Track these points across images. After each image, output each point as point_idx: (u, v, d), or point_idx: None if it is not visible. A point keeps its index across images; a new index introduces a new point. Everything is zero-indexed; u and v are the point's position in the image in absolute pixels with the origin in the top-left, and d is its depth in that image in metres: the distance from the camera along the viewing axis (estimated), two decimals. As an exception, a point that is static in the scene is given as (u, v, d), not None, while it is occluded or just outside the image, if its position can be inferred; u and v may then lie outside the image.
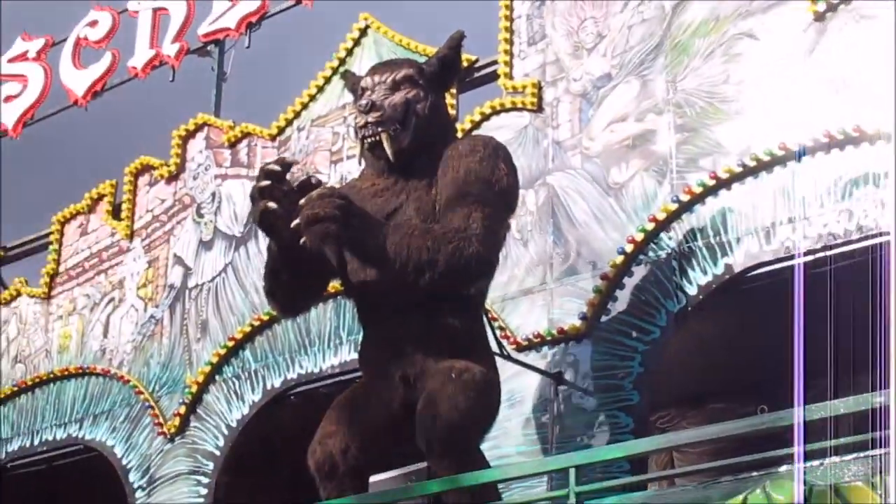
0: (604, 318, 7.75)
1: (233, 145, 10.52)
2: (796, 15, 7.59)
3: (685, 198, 7.63)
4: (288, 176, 6.58)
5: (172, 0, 11.73)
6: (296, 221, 6.22)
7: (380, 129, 6.73)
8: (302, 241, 6.24)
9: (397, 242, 6.25)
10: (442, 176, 6.63)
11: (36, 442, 10.91)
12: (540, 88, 8.64)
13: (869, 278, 6.24)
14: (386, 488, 6.43)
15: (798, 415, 4.80)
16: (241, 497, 9.67)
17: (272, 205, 6.39)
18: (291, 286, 6.77)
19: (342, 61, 9.89)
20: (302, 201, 6.27)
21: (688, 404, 8.52)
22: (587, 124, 8.32)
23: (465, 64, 8.41)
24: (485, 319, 7.01)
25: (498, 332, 7.67)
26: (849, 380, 5.78)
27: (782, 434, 5.15)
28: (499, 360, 6.98)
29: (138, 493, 9.98)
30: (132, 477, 10.07)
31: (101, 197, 11.38)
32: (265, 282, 6.92)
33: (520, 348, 7.95)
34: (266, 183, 6.44)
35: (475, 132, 8.53)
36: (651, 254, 7.70)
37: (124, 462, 10.16)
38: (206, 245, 10.32)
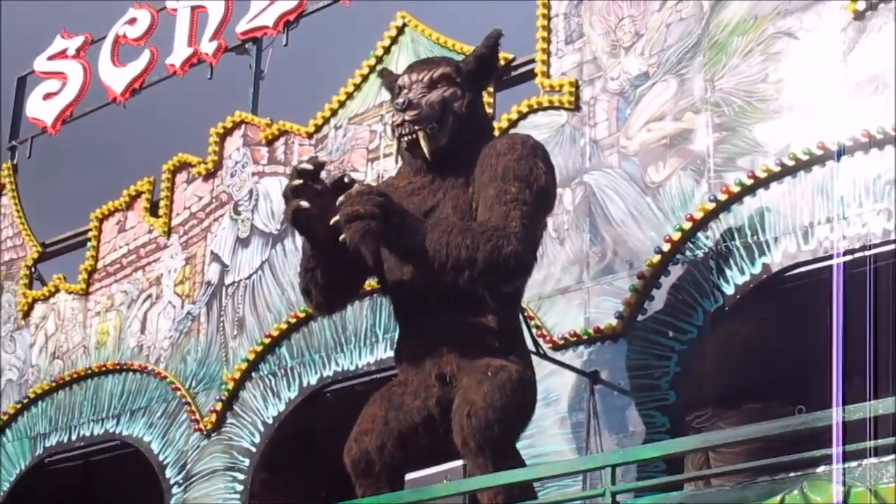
0: (640, 318, 7.74)
1: (270, 143, 10.55)
2: (835, 13, 7.56)
3: (723, 197, 7.60)
4: (323, 174, 6.60)
5: (211, -2, 11.80)
6: (335, 218, 6.23)
7: (417, 128, 6.73)
8: (341, 237, 6.25)
9: (436, 240, 6.25)
10: (479, 174, 6.62)
11: (73, 437, 10.98)
12: (577, 87, 8.63)
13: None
14: (422, 486, 6.43)
15: (837, 415, 4.78)
16: (276, 494, 9.70)
17: (304, 204, 6.41)
18: (326, 284, 6.77)
19: (379, 59, 9.90)
20: (341, 199, 6.28)
21: (724, 404, 8.48)
22: (624, 123, 8.30)
23: (502, 62, 8.41)
24: (521, 318, 7.00)
25: (534, 331, 7.68)
26: (888, 380, 5.75)
27: (820, 435, 5.12)
28: (535, 359, 6.98)
29: (174, 489, 10.02)
30: (168, 473, 10.12)
31: (139, 194, 11.44)
32: (300, 280, 6.93)
33: (556, 347, 7.95)
34: (298, 182, 6.46)
35: (512, 131, 8.53)
36: (688, 253, 7.68)
37: (161, 458, 10.21)
38: (243, 242, 10.36)
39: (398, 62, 9.48)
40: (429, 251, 6.25)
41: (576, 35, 8.81)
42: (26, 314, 11.92)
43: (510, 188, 6.47)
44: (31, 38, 13.68)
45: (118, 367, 10.86)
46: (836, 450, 4.82)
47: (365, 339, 9.21)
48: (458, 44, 9.36)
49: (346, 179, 6.54)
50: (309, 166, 6.50)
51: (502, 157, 6.61)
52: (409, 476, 6.55)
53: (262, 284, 10.10)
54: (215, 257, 10.55)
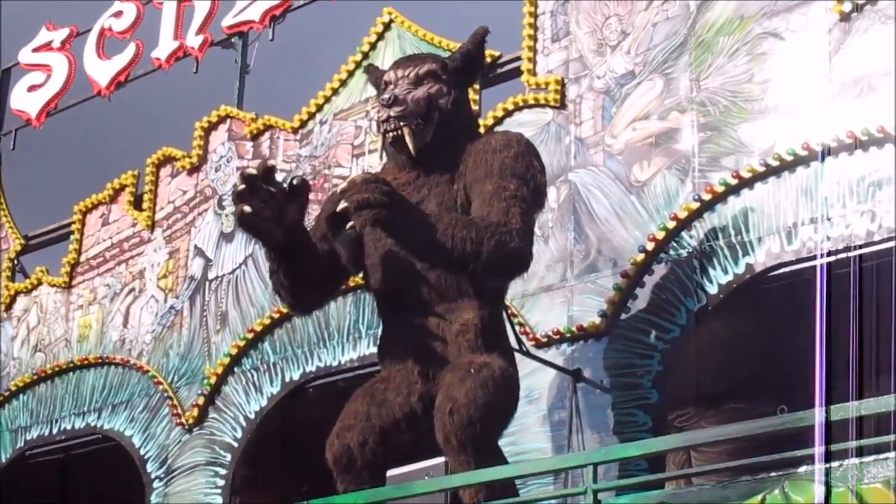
0: (623, 316, 7.74)
1: (255, 138, 10.53)
2: (821, 15, 7.57)
3: (707, 196, 7.61)
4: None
5: (197, -8, 11.77)
6: (343, 205, 6.22)
7: (402, 124, 6.74)
8: (349, 225, 6.25)
9: (442, 232, 6.26)
10: (473, 169, 6.64)
11: (55, 430, 10.95)
12: (563, 85, 8.63)
13: (891, 279, 6.23)
14: (403, 482, 6.43)
15: (820, 415, 4.79)
16: (258, 489, 9.69)
17: (247, 209, 6.40)
18: (292, 285, 6.79)
19: (365, 55, 9.89)
20: (343, 185, 6.30)
21: (706, 404, 8.50)
22: (610, 122, 8.30)
23: (488, 59, 8.40)
24: (505, 315, 7.00)
25: (517, 329, 7.68)
26: (870, 381, 5.76)
27: (801, 435, 5.14)
28: (518, 357, 6.98)
29: (156, 484, 10.00)
30: (150, 467, 10.10)
31: (122, 187, 11.41)
32: (271, 282, 6.97)
33: (539, 345, 7.95)
34: (242, 188, 6.45)
35: (497, 128, 8.52)
36: (672, 252, 7.69)
37: (142, 452, 10.19)
38: (226, 237, 10.34)
39: (384, 58, 9.47)
40: (434, 243, 6.26)
41: (562, 33, 8.81)
42: (8, 307, 11.88)
43: (509, 185, 6.49)
44: (16, 29, 13.63)
45: (100, 360, 10.84)
46: (819, 450, 4.83)
47: (348, 334, 9.21)
48: (444, 40, 9.35)
49: (294, 181, 6.53)
50: (253, 171, 6.48)
51: (498, 153, 6.64)
52: (390, 472, 6.55)
53: (246, 279, 10.09)
54: (199, 252, 10.53)
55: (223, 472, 9.64)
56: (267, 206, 6.43)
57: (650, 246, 7.71)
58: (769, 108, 7.62)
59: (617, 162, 8.17)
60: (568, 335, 7.91)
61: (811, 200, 7.25)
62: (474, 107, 8.52)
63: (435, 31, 9.58)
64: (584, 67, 8.59)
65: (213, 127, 10.90)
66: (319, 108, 10.13)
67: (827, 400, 4.97)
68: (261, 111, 10.69)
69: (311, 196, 9.45)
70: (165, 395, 10.15)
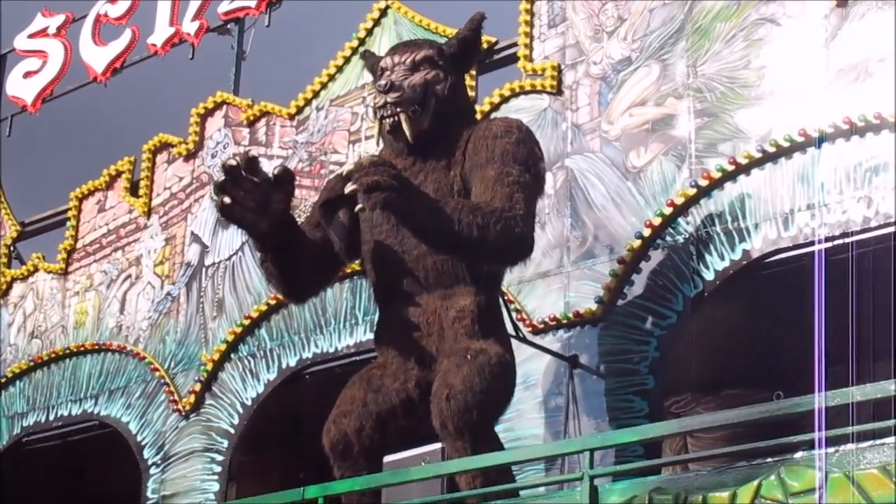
0: (620, 302, 7.75)
1: (251, 124, 10.52)
2: (818, 0, 7.56)
3: (704, 183, 7.61)
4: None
5: (193, -22, 11.74)
6: (351, 187, 6.21)
7: (399, 110, 6.73)
8: (357, 207, 6.25)
9: (448, 217, 6.26)
10: (473, 154, 6.64)
11: (51, 417, 10.95)
12: (559, 71, 8.62)
13: (890, 265, 6.24)
14: (400, 468, 6.43)
15: (820, 401, 4.79)
16: (255, 475, 9.70)
17: (227, 200, 6.39)
18: (282, 274, 6.79)
19: (362, 41, 9.88)
20: (350, 168, 6.26)
21: (703, 390, 8.51)
22: (606, 108, 8.30)
23: (484, 45, 8.39)
24: (501, 301, 7.00)
25: (514, 315, 7.68)
26: (867, 367, 5.77)
27: (797, 421, 5.14)
28: (514, 343, 6.98)
29: (153, 470, 10.01)
30: (147, 453, 10.11)
31: (119, 174, 11.40)
32: (261, 270, 6.98)
33: (536, 331, 7.95)
34: (222, 179, 6.44)
35: (494, 114, 8.52)
36: (669, 238, 7.69)
37: (139, 438, 10.19)
38: (223, 223, 10.32)
39: (381, 44, 9.46)
40: (441, 227, 6.26)
41: (559, 19, 8.80)
42: (4, 293, 11.88)
43: (511, 171, 6.50)
44: (12, 15, 13.61)
45: (97, 347, 10.84)
46: (818, 435, 4.83)
47: (345, 321, 9.20)
48: (440, 26, 9.34)
49: (275, 171, 6.52)
50: (234, 162, 6.46)
51: (499, 139, 6.64)
52: (387, 458, 6.55)
53: (242, 266, 10.08)
54: (195, 238, 10.53)
55: (220, 458, 9.64)
56: (250, 196, 6.42)
57: (647, 232, 7.71)
58: (766, 95, 7.62)
59: (613, 148, 8.17)
60: (564, 321, 7.91)
61: (808, 187, 7.25)
62: (470, 93, 8.52)
63: (431, 16, 9.57)
64: (581, 53, 8.58)
65: (209, 113, 10.89)
66: (316, 94, 10.12)
67: (825, 385, 4.97)
68: (257, 97, 10.69)
69: (308, 182, 9.56)
70: (162, 381, 10.15)
